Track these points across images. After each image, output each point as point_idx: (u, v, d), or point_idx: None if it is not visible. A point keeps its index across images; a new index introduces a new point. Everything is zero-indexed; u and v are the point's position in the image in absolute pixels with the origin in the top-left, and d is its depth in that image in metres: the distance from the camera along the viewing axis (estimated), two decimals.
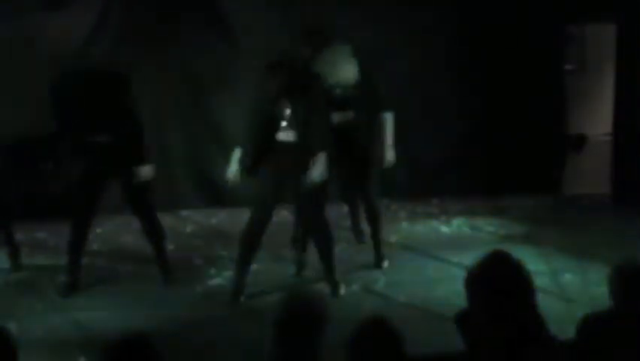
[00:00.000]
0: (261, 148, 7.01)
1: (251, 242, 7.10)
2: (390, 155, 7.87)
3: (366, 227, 8.22)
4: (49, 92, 7.23)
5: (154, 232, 7.52)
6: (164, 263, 7.58)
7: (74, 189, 7.31)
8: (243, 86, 10.15)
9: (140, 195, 7.38)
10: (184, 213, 9.71)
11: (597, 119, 11.42)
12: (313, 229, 7.33)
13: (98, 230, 8.50)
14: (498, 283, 3.77)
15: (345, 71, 7.67)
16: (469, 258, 7.60)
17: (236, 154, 7.11)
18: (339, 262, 7.66)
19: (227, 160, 7.22)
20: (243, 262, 7.13)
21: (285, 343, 3.73)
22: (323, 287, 7.27)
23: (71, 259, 7.31)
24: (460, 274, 7.62)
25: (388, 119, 7.85)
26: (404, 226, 9.15)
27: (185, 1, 9.94)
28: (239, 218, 9.43)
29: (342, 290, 7.30)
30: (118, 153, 7.19)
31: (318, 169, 6.90)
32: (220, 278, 7.65)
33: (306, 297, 3.89)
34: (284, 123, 6.99)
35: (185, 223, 9.41)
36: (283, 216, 9.45)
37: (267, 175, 7.05)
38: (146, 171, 7.28)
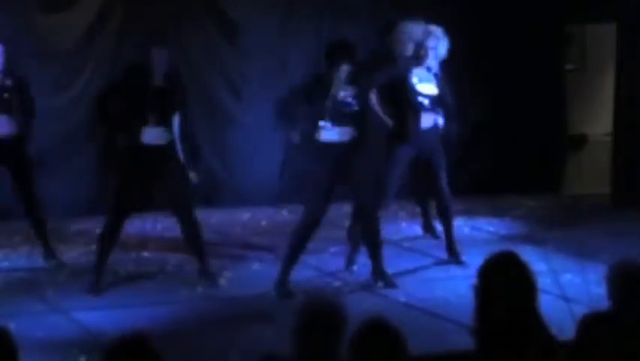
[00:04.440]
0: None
1: (308, 234, 7.13)
2: None
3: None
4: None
5: (194, 234, 7.48)
6: (204, 265, 7.54)
7: (116, 188, 7.31)
8: (244, 86, 10.16)
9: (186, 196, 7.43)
10: None
11: (597, 118, 11.41)
12: (365, 224, 7.33)
13: (97, 230, 8.48)
14: (504, 284, 3.78)
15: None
16: (469, 258, 7.66)
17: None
18: (339, 262, 7.70)
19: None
20: (294, 255, 7.15)
21: (306, 347, 3.74)
22: (325, 287, 7.29)
23: (102, 257, 7.31)
24: (460, 274, 7.66)
25: None
26: (404, 226, 9.14)
27: (185, 1, 9.95)
28: (239, 218, 9.45)
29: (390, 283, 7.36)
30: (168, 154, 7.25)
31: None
32: (220, 278, 7.63)
33: (325, 301, 3.90)
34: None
35: None
36: (282, 216, 9.47)
37: (325, 165, 7.09)
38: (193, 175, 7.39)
